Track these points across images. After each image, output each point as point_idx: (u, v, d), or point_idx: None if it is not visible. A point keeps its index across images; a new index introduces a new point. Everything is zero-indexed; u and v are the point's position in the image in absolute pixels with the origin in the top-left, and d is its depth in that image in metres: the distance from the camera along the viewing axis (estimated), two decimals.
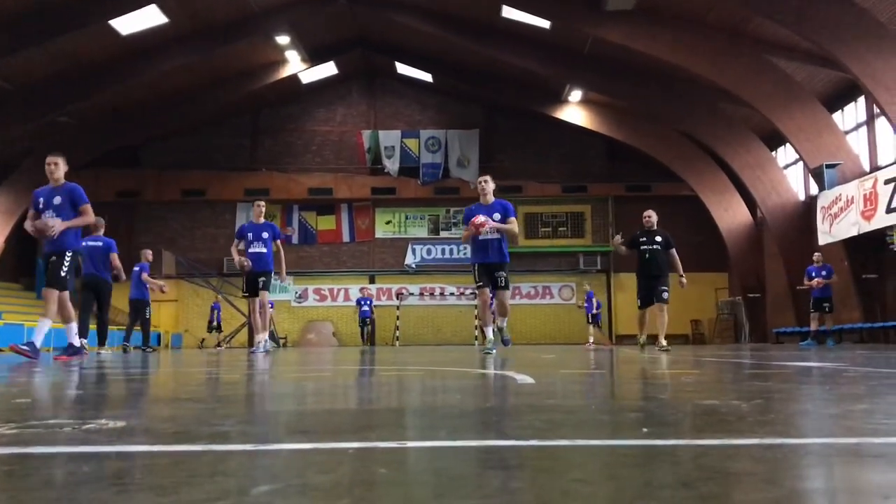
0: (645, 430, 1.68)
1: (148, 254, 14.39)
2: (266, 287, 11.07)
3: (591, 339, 21.63)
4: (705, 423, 1.81)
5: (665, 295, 10.21)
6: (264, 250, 11.07)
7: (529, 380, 3.54)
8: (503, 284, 8.82)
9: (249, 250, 11.06)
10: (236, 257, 10.98)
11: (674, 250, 10.53)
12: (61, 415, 2.16)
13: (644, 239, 10.46)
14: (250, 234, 11.13)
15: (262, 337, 11.00)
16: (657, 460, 1.27)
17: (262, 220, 11.33)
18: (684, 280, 10.61)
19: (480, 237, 8.71)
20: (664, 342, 10.04)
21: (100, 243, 11.67)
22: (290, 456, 1.38)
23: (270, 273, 11.19)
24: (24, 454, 1.44)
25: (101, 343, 12.70)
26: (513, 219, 8.85)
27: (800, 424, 1.77)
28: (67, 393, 3.13)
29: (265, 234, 11.18)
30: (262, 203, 11.53)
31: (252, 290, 11.02)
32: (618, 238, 10.78)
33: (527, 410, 2.17)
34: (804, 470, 1.19)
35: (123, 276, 12.09)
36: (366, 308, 23.81)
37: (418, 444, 1.49)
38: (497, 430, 1.72)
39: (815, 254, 16.50)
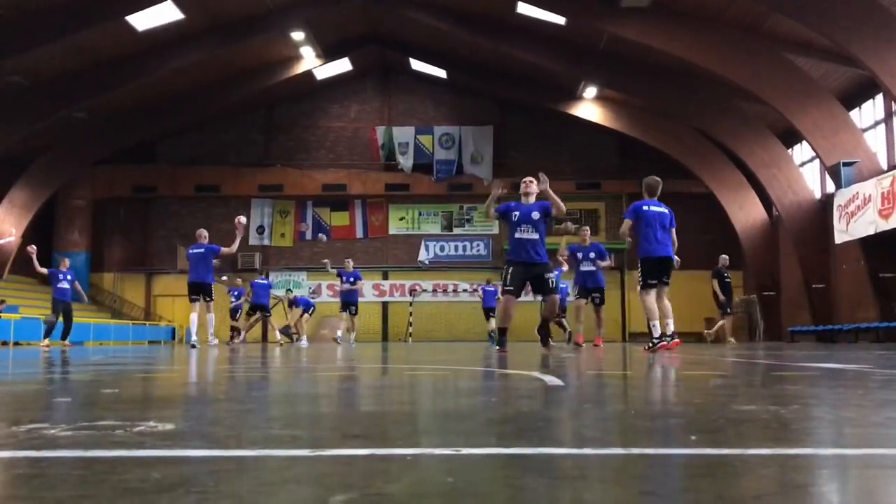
0: (693, 437, 1.69)
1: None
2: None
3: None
4: (751, 431, 1.82)
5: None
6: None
7: (558, 381, 3.55)
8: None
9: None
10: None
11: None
12: (106, 416, 2.19)
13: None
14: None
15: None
16: (720, 471, 1.28)
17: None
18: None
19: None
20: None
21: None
22: (352, 462, 1.40)
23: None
24: (88, 458, 1.46)
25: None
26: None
27: (848, 434, 1.78)
28: (104, 392, 3.17)
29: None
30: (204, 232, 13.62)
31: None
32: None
33: (567, 416, 2.18)
34: (871, 482, 1.20)
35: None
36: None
37: (474, 451, 1.50)
38: (546, 437, 1.74)
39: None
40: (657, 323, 8.47)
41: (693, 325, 25.92)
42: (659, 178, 8.79)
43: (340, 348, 13.23)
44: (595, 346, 8.88)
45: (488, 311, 21.02)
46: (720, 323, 17.25)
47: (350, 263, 18.27)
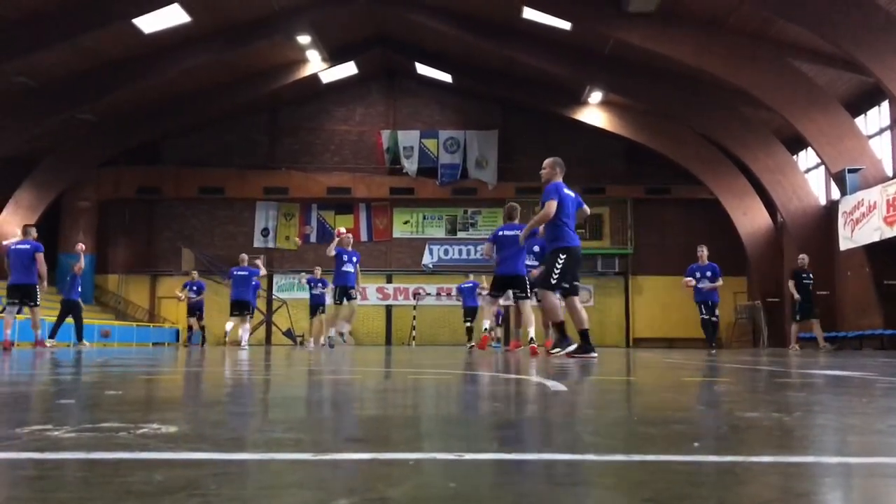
0: (695, 444, 1.68)
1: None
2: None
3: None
4: (754, 438, 1.81)
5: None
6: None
7: (561, 386, 3.55)
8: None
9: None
10: None
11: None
12: (110, 418, 2.19)
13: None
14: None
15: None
16: (722, 479, 1.28)
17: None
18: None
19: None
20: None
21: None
22: (354, 467, 1.40)
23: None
24: (91, 460, 1.46)
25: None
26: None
27: (852, 442, 1.77)
28: (107, 393, 3.17)
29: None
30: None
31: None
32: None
33: (571, 421, 2.18)
34: (875, 491, 1.20)
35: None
36: (317, 292, 19.04)
37: (476, 456, 1.50)
38: (549, 442, 1.74)
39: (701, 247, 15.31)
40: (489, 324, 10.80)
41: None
42: (517, 205, 10.43)
43: (339, 349, 13.35)
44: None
45: (470, 311, 19.50)
46: (794, 329, 16.19)
47: (350, 238, 14.93)
